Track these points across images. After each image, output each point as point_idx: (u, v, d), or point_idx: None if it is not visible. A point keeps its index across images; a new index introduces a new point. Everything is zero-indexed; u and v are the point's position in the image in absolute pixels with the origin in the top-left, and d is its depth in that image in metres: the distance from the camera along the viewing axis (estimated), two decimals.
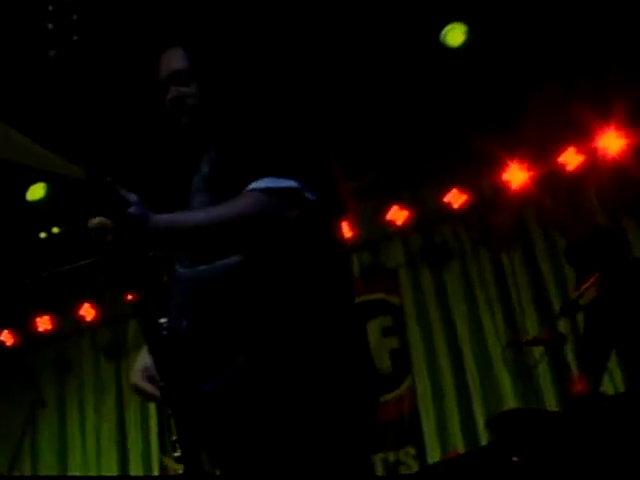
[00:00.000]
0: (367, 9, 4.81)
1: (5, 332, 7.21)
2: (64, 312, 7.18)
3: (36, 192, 5.91)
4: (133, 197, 1.68)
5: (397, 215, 6.36)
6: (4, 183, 5.66)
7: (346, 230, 2.14)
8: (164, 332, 1.81)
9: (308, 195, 1.86)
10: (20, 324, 7.22)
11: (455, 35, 5.11)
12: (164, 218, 1.72)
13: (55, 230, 6.32)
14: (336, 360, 1.87)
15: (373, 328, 6.27)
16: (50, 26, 1.82)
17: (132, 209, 1.65)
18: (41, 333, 7.16)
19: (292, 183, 1.84)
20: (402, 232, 6.47)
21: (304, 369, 1.84)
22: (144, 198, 1.71)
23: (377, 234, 6.49)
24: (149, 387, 1.98)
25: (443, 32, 5.08)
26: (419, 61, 5.26)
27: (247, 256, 1.87)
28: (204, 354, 1.90)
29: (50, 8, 1.83)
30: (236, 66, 2.11)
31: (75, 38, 1.82)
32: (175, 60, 2.08)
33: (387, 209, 6.35)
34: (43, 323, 7.13)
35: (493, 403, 5.85)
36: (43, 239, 6.36)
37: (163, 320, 1.81)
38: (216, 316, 1.89)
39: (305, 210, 1.85)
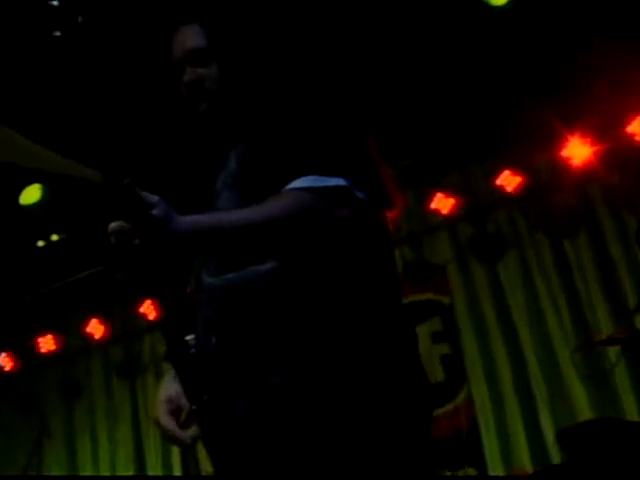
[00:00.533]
0: None
1: (3, 355, 7.26)
2: (69, 330, 7.23)
3: (31, 195, 5.98)
4: (154, 198, 1.67)
5: (442, 203, 6.33)
6: None
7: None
8: (192, 350, 1.81)
9: (358, 194, 1.86)
10: (20, 345, 7.27)
11: None
12: (192, 219, 1.72)
13: (54, 237, 6.36)
14: (385, 373, 1.88)
15: (421, 333, 6.02)
16: (55, 2, 1.81)
17: (155, 210, 1.65)
18: (44, 354, 7.21)
19: (340, 181, 1.84)
20: (449, 222, 6.44)
21: (350, 385, 1.84)
22: (166, 198, 1.72)
23: (420, 226, 6.46)
24: (171, 425, 1.97)
25: None
26: (458, 24, 5.22)
27: (284, 261, 1.87)
28: (236, 372, 1.90)
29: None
30: (264, 44, 2.09)
31: (80, 19, 1.86)
32: (191, 37, 2.06)
33: (430, 197, 6.33)
34: (46, 343, 7.18)
35: (563, 414, 5.80)
36: (41, 248, 6.39)
37: (190, 337, 1.81)
38: (249, 329, 1.89)
39: (355, 211, 1.86)
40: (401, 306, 1.99)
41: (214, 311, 1.93)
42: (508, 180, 6.17)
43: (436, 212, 6.35)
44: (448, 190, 6.34)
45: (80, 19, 1.85)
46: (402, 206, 2.01)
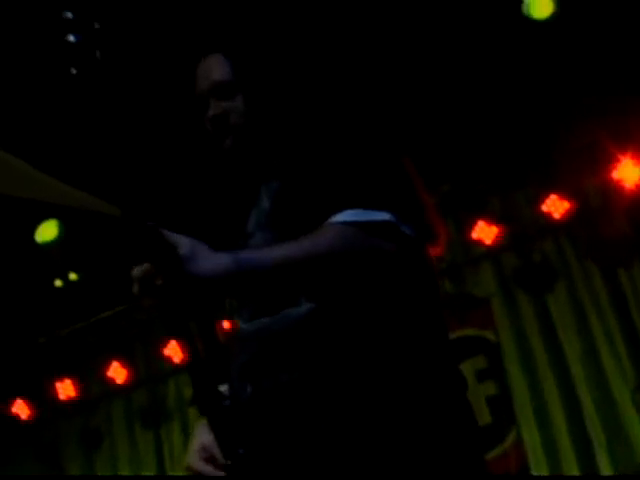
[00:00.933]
0: None
1: (19, 402, 7.18)
2: (89, 374, 7.17)
3: (47, 231, 6.01)
4: (179, 238, 1.68)
5: (484, 232, 6.23)
6: (8, 223, 5.74)
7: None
8: (226, 402, 1.81)
9: (404, 229, 1.85)
10: (37, 392, 7.20)
11: (541, 5, 5.09)
12: (226, 257, 1.71)
13: (72, 276, 6.33)
14: (433, 416, 1.87)
15: (465, 371, 5.81)
16: (71, 38, 1.77)
17: (180, 250, 1.65)
18: (63, 401, 7.14)
19: (386, 216, 1.82)
20: (492, 252, 6.37)
21: (397, 431, 1.83)
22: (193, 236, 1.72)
23: (461, 257, 6.39)
24: (208, 469, 1.95)
25: (526, 2, 5.08)
26: (499, 42, 5.21)
27: (322, 302, 1.86)
28: (274, 424, 1.88)
29: (69, 16, 1.77)
30: (292, 72, 2.08)
31: (98, 53, 1.80)
32: (215, 69, 2.06)
33: (472, 225, 6.25)
34: (64, 389, 7.09)
35: (623, 458, 5.70)
36: (59, 288, 6.37)
37: (223, 387, 1.82)
38: (288, 378, 1.87)
39: (402, 247, 1.84)
40: (448, 345, 2.00)
41: (249, 358, 1.92)
42: (555, 206, 6.07)
43: (478, 242, 6.28)
44: (490, 218, 6.25)
45: (98, 54, 1.79)
46: (445, 239, 2.01)
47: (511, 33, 5.15)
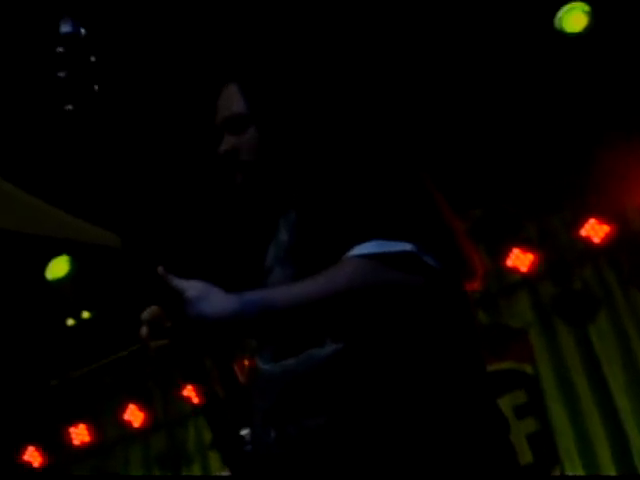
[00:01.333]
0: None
1: (31, 449, 7.18)
2: (104, 418, 7.17)
3: (58, 268, 6.05)
4: (192, 283, 1.73)
5: (520, 259, 6.20)
6: (18, 260, 5.80)
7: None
8: (247, 447, 1.81)
9: (428, 260, 1.83)
10: (49, 438, 7.20)
11: (574, 19, 5.11)
12: (236, 300, 1.73)
13: (85, 315, 6.35)
14: (476, 465, 1.86)
15: (503, 407, 5.84)
16: (62, 74, 1.80)
17: (191, 292, 1.70)
18: (77, 447, 7.15)
19: (407, 246, 1.81)
20: (529, 280, 6.34)
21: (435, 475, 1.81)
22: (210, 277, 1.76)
23: (496, 286, 6.35)
24: None
25: (558, 15, 5.09)
26: (533, 59, 5.24)
27: (348, 341, 1.85)
28: (299, 474, 1.86)
29: (60, 50, 1.81)
30: (308, 100, 2.09)
31: (96, 87, 1.84)
32: (229, 101, 2.10)
33: (506, 253, 6.22)
34: (79, 434, 7.09)
35: None
36: (71, 327, 6.38)
37: (245, 432, 1.82)
38: (314, 424, 1.86)
39: (427, 279, 1.83)
40: (485, 382, 1.98)
41: (272, 402, 1.90)
42: (594, 230, 6.04)
43: (513, 270, 6.24)
44: (526, 244, 6.23)
45: (96, 88, 1.83)
46: (482, 270, 2.03)
47: (545, 50, 5.19)
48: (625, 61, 5.28)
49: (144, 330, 1.75)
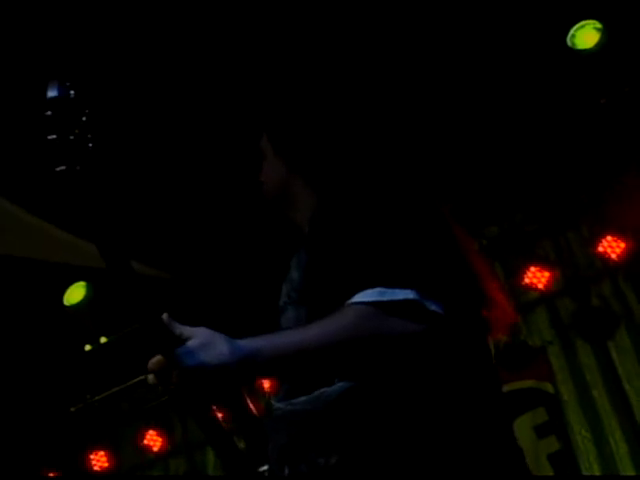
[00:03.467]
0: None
1: (50, 476, 7.16)
2: (124, 444, 7.17)
3: (75, 294, 6.08)
4: (197, 331, 1.75)
5: (537, 277, 6.15)
6: (35, 287, 5.86)
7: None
8: None
9: (432, 307, 1.84)
10: (68, 464, 7.19)
11: (586, 35, 5.12)
12: (236, 348, 1.75)
13: (103, 340, 6.34)
14: None
15: (523, 427, 6.03)
16: (53, 137, 1.79)
17: (193, 341, 1.72)
18: (96, 473, 7.10)
19: (409, 294, 1.82)
20: (546, 298, 6.30)
21: None
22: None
23: (514, 304, 6.19)
24: None
25: (571, 33, 5.11)
26: (541, 70, 5.26)
27: (354, 381, 1.88)
28: None
29: (48, 114, 1.80)
30: (320, 142, 2.17)
31: (90, 146, 1.82)
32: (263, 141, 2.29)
33: (523, 270, 6.17)
34: (98, 460, 7.07)
35: None
36: (89, 352, 6.36)
37: (263, 468, 1.81)
38: (324, 462, 1.87)
39: (429, 326, 1.84)
40: (500, 418, 1.98)
41: (286, 440, 1.92)
42: (611, 246, 5.98)
43: (531, 287, 6.19)
44: (543, 261, 6.20)
45: (90, 146, 1.82)
46: (509, 318, 2.10)
47: (559, 67, 5.21)
48: (638, 77, 5.27)
49: (151, 379, 1.76)
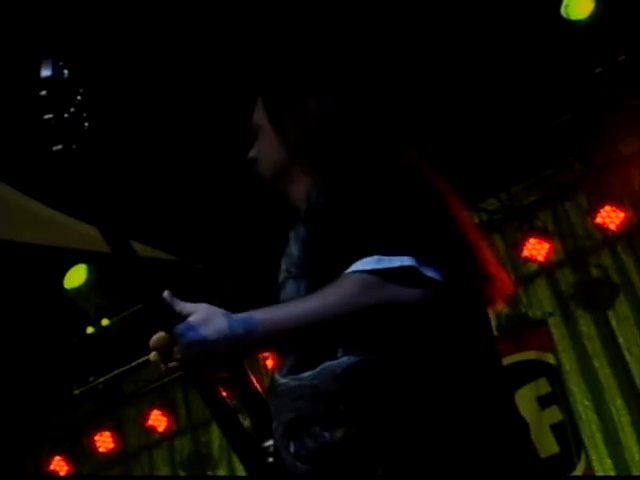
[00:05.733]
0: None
1: (57, 459, 7.17)
2: (128, 425, 7.19)
3: (76, 277, 6.05)
4: (197, 306, 1.78)
5: (536, 249, 6.09)
6: (36, 270, 5.84)
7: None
8: (269, 459, 1.81)
9: (429, 273, 1.82)
10: (74, 447, 7.23)
11: (580, 5, 5.10)
12: (249, 321, 1.77)
13: (105, 322, 6.35)
14: (492, 459, 1.86)
15: (526, 398, 6.11)
16: (48, 116, 1.80)
17: (195, 316, 1.75)
18: (103, 454, 7.15)
19: (406, 260, 1.81)
20: (546, 270, 6.30)
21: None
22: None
23: (514, 276, 6.23)
24: None
25: (564, 2, 5.08)
26: (536, 39, 5.21)
27: (361, 352, 1.86)
28: None
29: (43, 93, 1.81)
30: (321, 111, 2.12)
31: (87, 124, 1.83)
32: (255, 110, 2.23)
33: (522, 242, 6.12)
34: (104, 442, 7.09)
35: None
36: (91, 335, 6.40)
37: (268, 443, 1.82)
38: (330, 437, 1.85)
39: (428, 292, 1.82)
40: (500, 386, 1.97)
41: (291, 415, 1.90)
42: (610, 216, 5.94)
43: (530, 259, 6.15)
44: (541, 233, 6.15)
45: (87, 126, 1.83)
46: (508, 289, 2.00)
47: (546, 30, 5.17)
48: (632, 47, 5.25)
49: (153, 356, 1.78)
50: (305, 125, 2.10)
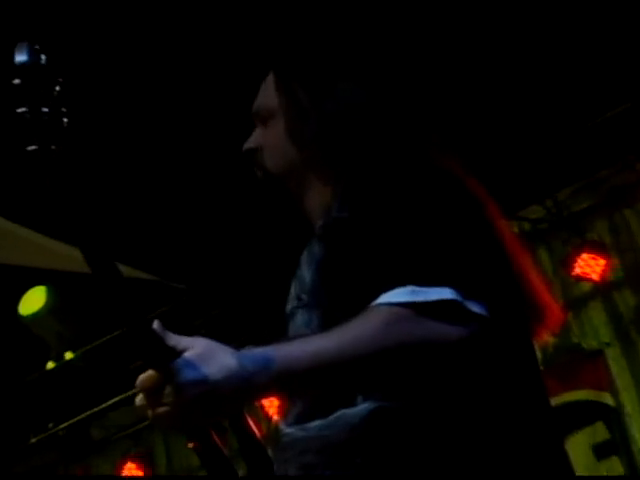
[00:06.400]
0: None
1: None
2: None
3: (33, 302, 5.74)
4: (195, 341, 1.61)
5: (590, 266, 5.80)
6: None
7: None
8: None
9: (473, 308, 1.69)
10: None
11: None
12: (257, 361, 1.61)
13: (68, 355, 6.07)
14: None
15: (579, 447, 5.75)
16: (22, 110, 1.59)
17: (192, 351, 1.59)
18: None
19: (446, 293, 1.67)
20: (602, 291, 5.98)
21: None
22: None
23: (563, 299, 5.91)
24: None
25: None
26: (583, 20, 5.00)
27: (384, 399, 1.76)
28: None
29: (17, 82, 1.61)
30: (346, 98, 2.03)
31: (66, 121, 1.63)
32: (262, 91, 2.15)
33: (573, 258, 5.83)
34: None
35: None
36: (52, 371, 6.12)
37: None
38: None
39: (470, 329, 1.69)
40: (549, 434, 1.84)
41: (297, 470, 1.85)
42: None
43: (583, 278, 5.86)
44: (596, 247, 5.85)
45: (65, 122, 1.62)
46: (557, 319, 1.88)
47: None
48: None
49: (139, 399, 1.59)
50: (332, 113, 1.99)
